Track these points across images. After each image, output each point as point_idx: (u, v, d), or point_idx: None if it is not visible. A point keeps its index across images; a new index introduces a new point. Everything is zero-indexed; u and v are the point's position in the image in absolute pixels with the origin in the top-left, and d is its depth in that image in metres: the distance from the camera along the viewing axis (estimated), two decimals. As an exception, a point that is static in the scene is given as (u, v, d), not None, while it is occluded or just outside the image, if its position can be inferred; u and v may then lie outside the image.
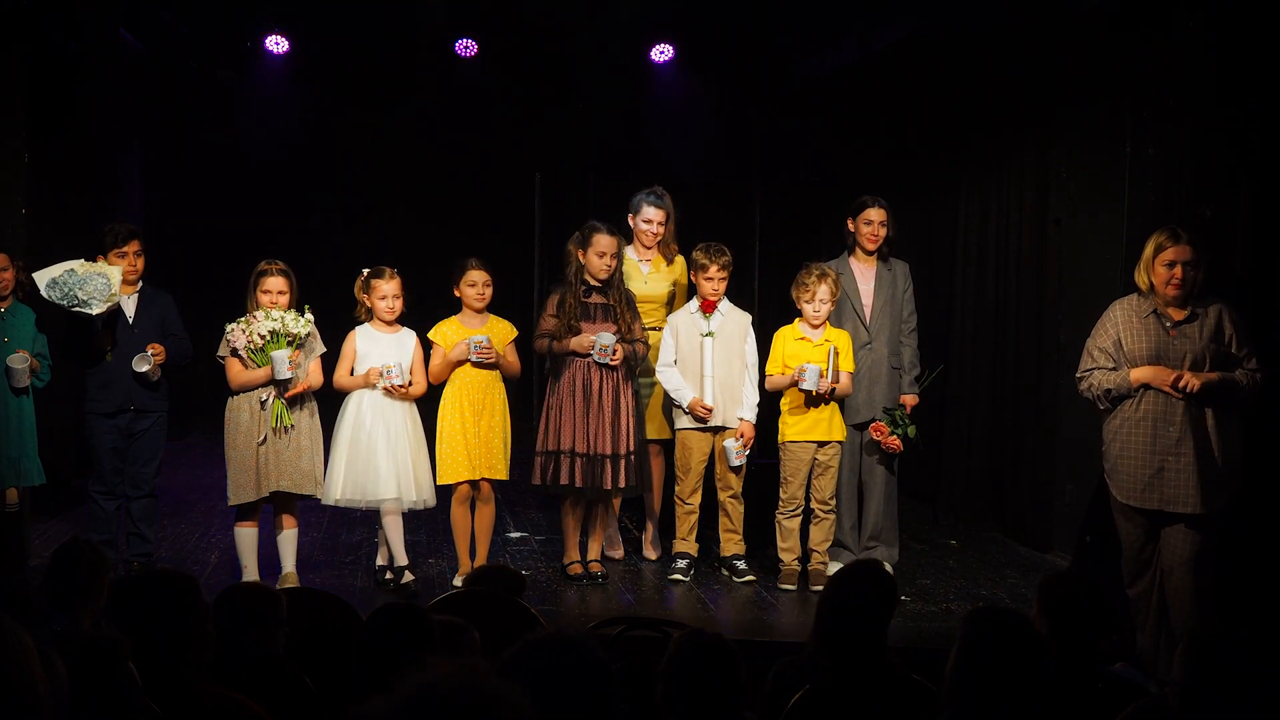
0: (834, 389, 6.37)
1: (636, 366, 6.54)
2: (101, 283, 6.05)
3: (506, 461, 6.44)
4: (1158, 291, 5.25)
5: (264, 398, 6.03)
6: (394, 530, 6.25)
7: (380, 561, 6.41)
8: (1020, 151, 7.77)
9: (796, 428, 6.47)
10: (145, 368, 6.27)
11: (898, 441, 6.59)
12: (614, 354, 6.32)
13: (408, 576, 6.17)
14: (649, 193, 6.90)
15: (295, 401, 6.08)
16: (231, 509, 6.19)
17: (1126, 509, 5.33)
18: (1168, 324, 5.24)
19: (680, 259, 6.97)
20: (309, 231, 10.64)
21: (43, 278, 6.09)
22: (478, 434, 6.34)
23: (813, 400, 6.39)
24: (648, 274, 6.92)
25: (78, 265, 6.11)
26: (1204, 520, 5.16)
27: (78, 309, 6.04)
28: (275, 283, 6.11)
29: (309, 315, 6.12)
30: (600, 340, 6.31)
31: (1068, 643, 3.67)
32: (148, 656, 2.89)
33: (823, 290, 6.40)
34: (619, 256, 6.43)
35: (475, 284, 6.40)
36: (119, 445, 6.36)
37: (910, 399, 6.72)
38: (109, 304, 6.09)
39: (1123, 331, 5.30)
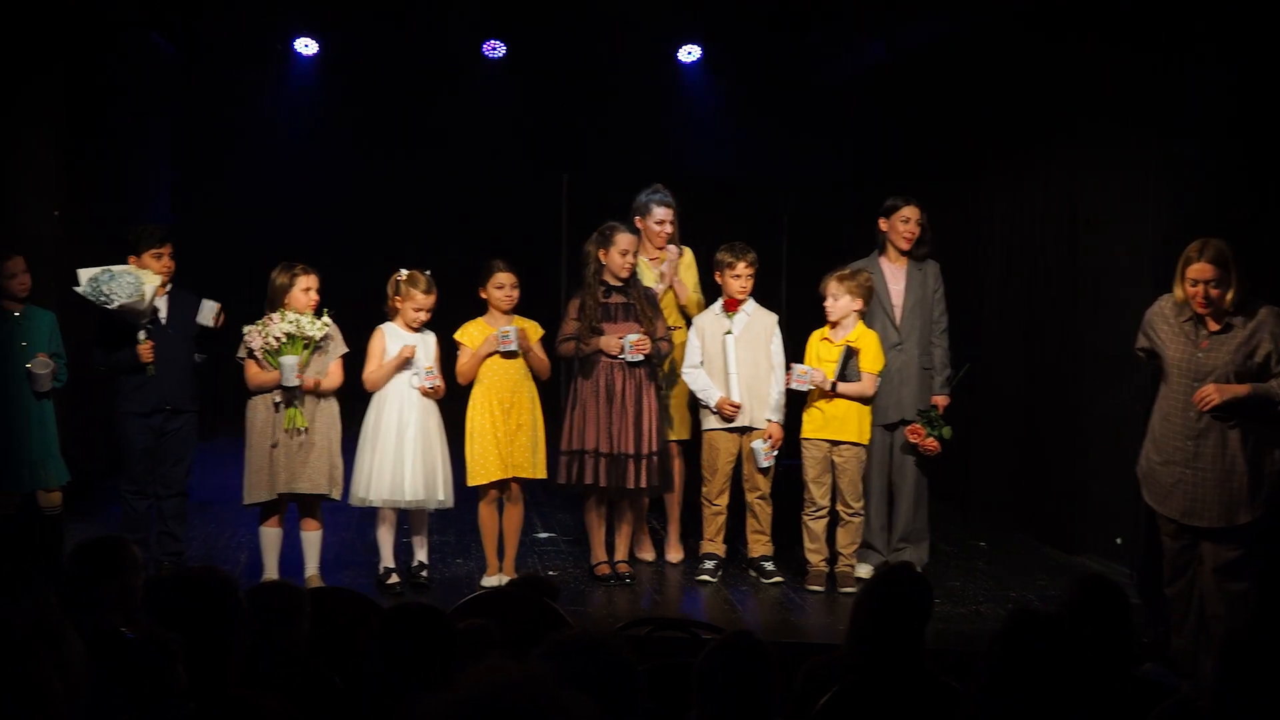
0: (835, 385, 6.34)
1: (661, 363, 6.54)
2: (130, 280, 6.11)
3: (538, 458, 6.44)
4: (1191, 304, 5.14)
5: (277, 399, 6.08)
6: (423, 529, 6.41)
7: (387, 564, 6.39)
8: (1048, 152, 7.72)
9: (810, 425, 6.48)
10: (209, 319, 6.32)
11: (935, 443, 6.55)
12: (644, 346, 6.31)
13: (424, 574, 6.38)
14: (654, 191, 6.83)
15: (309, 403, 6.09)
16: (257, 510, 6.22)
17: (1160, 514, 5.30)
18: (1203, 332, 5.12)
19: (683, 251, 6.91)
20: (336, 232, 10.67)
21: (84, 274, 6.15)
22: (507, 431, 6.36)
23: (810, 396, 6.38)
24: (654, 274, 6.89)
25: (118, 268, 6.17)
26: (1232, 533, 5.10)
27: (102, 302, 6.10)
28: (313, 280, 6.17)
29: (326, 319, 6.16)
30: (628, 338, 6.32)
31: (1097, 645, 3.65)
32: (187, 657, 2.90)
33: (834, 287, 6.39)
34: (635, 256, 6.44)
35: (503, 286, 6.42)
36: (151, 445, 6.39)
37: (942, 400, 6.69)
38: (132, 301, 6.11)
39: (1160, 329, 5.24)
